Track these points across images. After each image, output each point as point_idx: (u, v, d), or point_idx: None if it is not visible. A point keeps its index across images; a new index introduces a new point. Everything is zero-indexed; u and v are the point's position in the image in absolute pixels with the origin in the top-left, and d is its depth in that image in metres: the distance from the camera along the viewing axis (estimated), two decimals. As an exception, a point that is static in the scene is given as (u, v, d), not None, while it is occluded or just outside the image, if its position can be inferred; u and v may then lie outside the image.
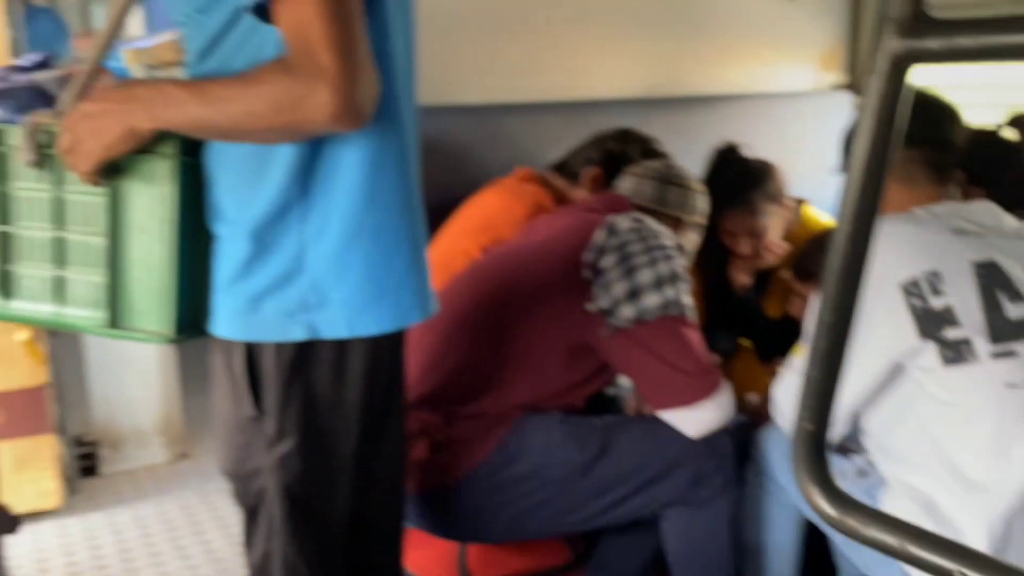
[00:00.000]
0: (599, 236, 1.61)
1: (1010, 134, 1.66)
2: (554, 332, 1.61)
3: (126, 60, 1.40)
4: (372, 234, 1.14)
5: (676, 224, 1.78)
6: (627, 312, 1.54)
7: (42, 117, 1.15)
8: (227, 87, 1.03)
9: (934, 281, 1.30)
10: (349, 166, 1.12)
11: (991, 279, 1.30)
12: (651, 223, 1.65)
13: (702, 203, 1.84)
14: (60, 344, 2.46)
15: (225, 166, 1.15)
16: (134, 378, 2.72)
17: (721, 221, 2.03)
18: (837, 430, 1.39)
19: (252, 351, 1.16)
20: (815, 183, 2.35)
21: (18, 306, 1.24)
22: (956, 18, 0.60)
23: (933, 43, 0.60)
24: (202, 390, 1.62)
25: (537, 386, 1.61)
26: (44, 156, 1.17)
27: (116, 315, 1.19)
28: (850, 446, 1.51)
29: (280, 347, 1.14)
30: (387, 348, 1.21)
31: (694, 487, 1.59)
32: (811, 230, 2.21)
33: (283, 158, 1.10)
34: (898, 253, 1.32)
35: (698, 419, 1.57)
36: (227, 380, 1.20)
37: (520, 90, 2.32)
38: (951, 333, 1.28)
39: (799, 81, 2.81)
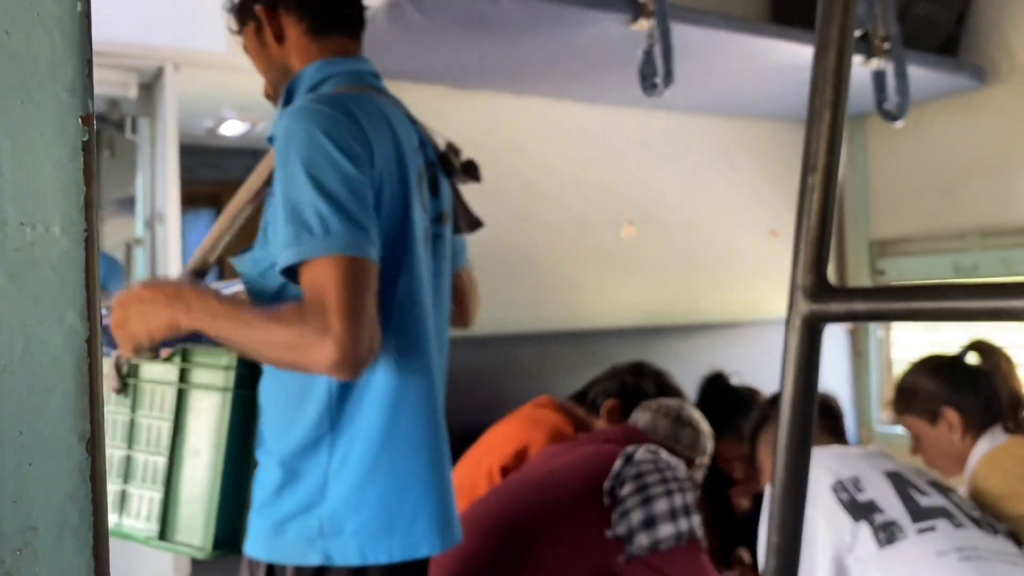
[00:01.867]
0: (618, 465, 1.70)
1: (974, 359, 1.78)
2: (577, 557, 1.65)
3: None
4: (388, 468, 1.24)
5: (688, 464, 1.89)
6: (643, 540, 1.61)
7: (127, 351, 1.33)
8: (255, 316, 1.18)
9: (856, 482, 1.59)
10: (372, 405, 1.24)
11: (899, 481, 1.60)
12: (666, 455, 1.74)
13: (710, 445, 1.96)
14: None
15: (270, 401, 1.29)
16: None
17: (715, 448, 2.12)
18: None
19: (273, 572, 1.25)
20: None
21: None
22: (854, 287, 0.74)
23: (835, 307, 0.74)
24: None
25: None
26: (125, 384, 1.34)
27: (165, 528, 1.31)
28: None
29: (299, 570, 1.23)
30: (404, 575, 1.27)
31: None
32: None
33: (317, 400, 1.24)
34: (825, 468, 1.61)
35: None
36: None
37: (527, 321, 2.49)
38: (879, 518, 1.54)
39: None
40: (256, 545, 1.26)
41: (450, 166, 1.45)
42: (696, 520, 1.65)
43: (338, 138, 1.18)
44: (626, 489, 1.66)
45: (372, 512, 1.23)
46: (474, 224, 1.52)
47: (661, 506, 1.63)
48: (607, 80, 2.36)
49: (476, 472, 2.00)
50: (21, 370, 0.40)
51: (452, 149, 1.46)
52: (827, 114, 0.75)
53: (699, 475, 1.94)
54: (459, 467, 2.04)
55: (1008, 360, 1.85)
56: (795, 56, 2.25)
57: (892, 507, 1.56)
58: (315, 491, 1.23)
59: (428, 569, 1.33)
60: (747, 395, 2.21)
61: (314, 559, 1.22)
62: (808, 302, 0.74)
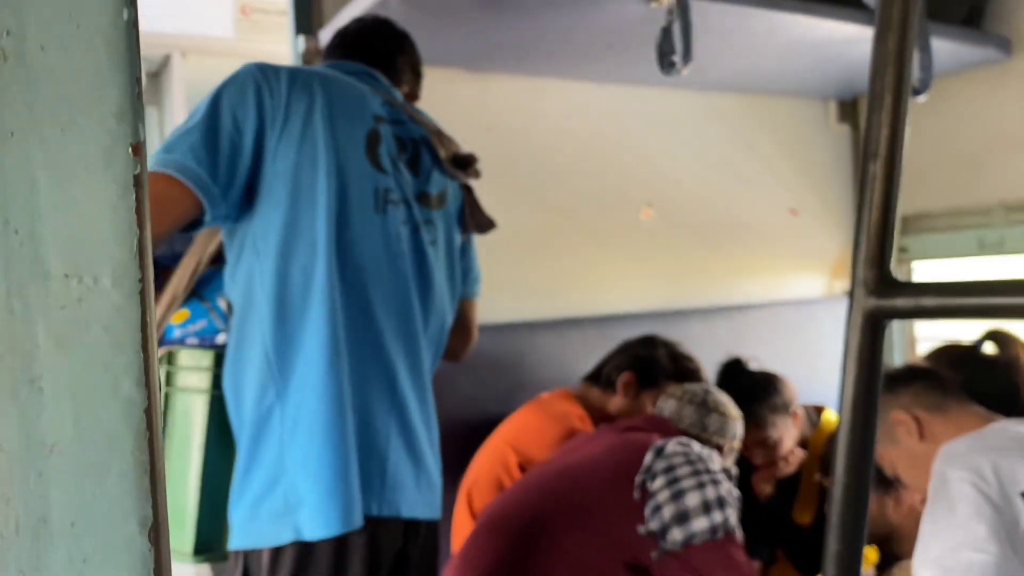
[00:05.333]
0: (649, 458, 1.66)
1: (991, 349, 1.70)
2: (608, 552, 1.63)
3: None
4: (335, 435, 1.22)
5: (717, 450, 1.85)
6: (676, 535, 1.57)
7: None
8: None
9: None
10: (310, 365, 1.24)
11: None
12: (698, 447, 1.70)
13: (740, 429, 1.91)
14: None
15: (227, 384, 1.28)
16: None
17: None
18: None
19: (248, 561, 1.22)
20: (833, 386, 2.41)
21: None
22: (922, 282, 0.70)
23: (901, 302, 0.70)
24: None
25: None
26: None
27: None
28: None
29: (276, 552, 1.21)
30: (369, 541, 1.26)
31: None
32: (829, 434, 2.25)
33: (258, 368, 1.24)
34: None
35: None
36: None
37: (547, 308, 2.46)
38: None
39: (812, 289, 2.94)
40: (235, 536, 1.24)
41: (439, 153, 1.43)
42: (730, 512, 1.61)
43: (239, 94, 1.26)
44: (657, 483, 1.62)
45: (327, 477, 1.21)
46: (484, 225, 1.50)
47: (693, 499, 1.59)
48: (624, 59, 2.31)
49: (495, 465, 1.97)
50: (72, 450, 0.34)
51: (439, 135, 1.44)
52: (888, 98, 0.71)
53: (731, 460, 1.90)
54: (477, 459, 2.02)
55: (1020, 345, 1.78)
56: (817, 31, 2.19)
57: None
58: (275, 463, 1.21)
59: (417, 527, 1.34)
60: (764, 380, 2.17)
61: (286, 536, 1.19)
62: (871, 297, 0.70)
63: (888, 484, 1.86)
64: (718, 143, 2.80)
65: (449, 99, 2.12)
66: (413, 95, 1.57)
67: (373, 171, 1.33)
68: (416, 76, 1.56)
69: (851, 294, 0.72)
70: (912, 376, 1.56)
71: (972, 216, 2.80)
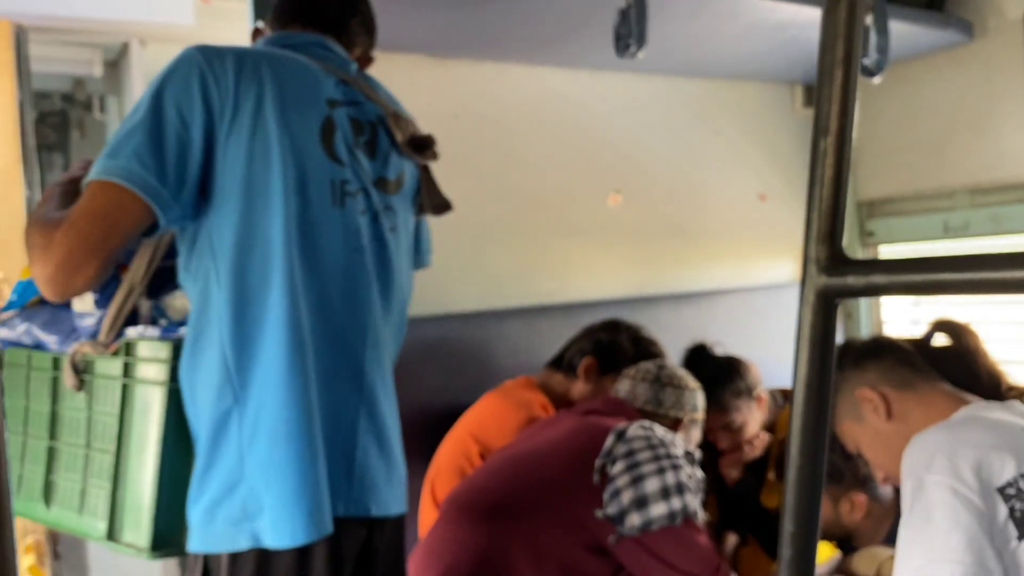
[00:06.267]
0: (609, 442, 1.65)
1: (942, 339, 1.66)
2: (568, 536, 1.62)
3: None
4: (300, 439, 1.19)
5: (675, 424, 1.85)
6: (635, 520, 1.57)
7: (83, 347, 1.29)
8: (40, 215, 1.24)
9: None
10: (270, 367, 1.20)
11: None
12: (660, 430, 1.69)
13: (699, 399, 1.91)
14: (64, 567, 2.45)
15: (185, 382, 1.24)
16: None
17: None
18: None
19: (208, 565, 1.20)
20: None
21: (55, 512, 1.34)
22: (873, 259, 0.70)
23: (852, 280, 0.69)
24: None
25: None
26: (83, 381, 1.30)
27: (112, 527, 1.26)
28: None
29: (234, 559, 1.18)
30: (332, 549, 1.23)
31: None
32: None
33: (216, 370, 1.20)
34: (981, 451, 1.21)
35: None
36: None
37: (514, 296, 2.44)
38: None
39: (779, 274, 2.95)
40: (193, 538, 1.21)
41: (396, 136, 1.39)
42: (690, 498, 1.60)
43: (183, 85, 1.21)
44: (617, 467, 1.61)
45: (291, 484, 1.18)
46: (440, 207, 1.46)
47: (653, 485, 1.58)
48: (589, 44, 2.30)
49: (456, 455, 1.96)
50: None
51: (395, 116, 1.40)
52: (839, 73, 0.69)
53: (696, 433, 1.89)
54: (441, 449, 2.01)
55: (976, 337, 1.76)
56: (779, 14, 2.19)
57: None
58: (234, 469, 1.18)
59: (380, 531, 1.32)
60: (728, 365, 2.18)
61: (243, 543, 1.17)
62: (822, 275, 0.69)
63: (841, 477, 1.85)
64: (685, 128, 2.80)
65: (411, 85, 2.08)
66: (367, 58, 1.50)
67: (329, 163, 1.29)
68: (370, 35, 1.48)
69: (803, 273, 0.71)
70: (880, 351, 1.51)
71: (937, 200, 2.82)
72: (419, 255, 1.53)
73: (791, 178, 2.97)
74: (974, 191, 2.72)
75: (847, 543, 1.90)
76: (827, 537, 1.87)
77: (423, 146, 1.42)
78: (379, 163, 1.38)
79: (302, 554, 1.19)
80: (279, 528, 1.17)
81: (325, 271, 1.26)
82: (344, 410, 1.27)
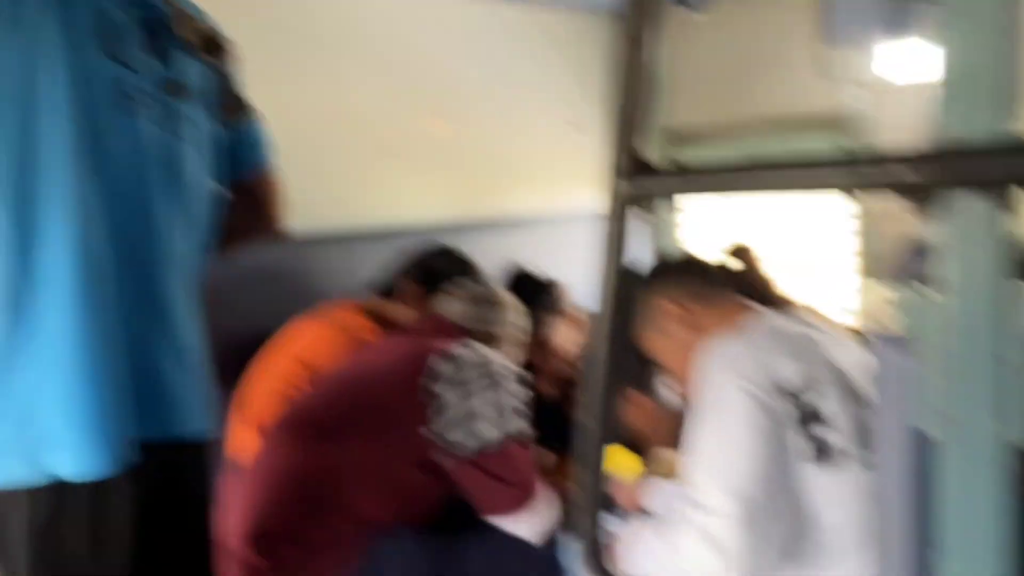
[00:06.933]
0: (434, 362, 1.66)
1: (734, 263, 1.81)
2: (394, 455, 1.64)
3: None
4: (94, 367, 1.14)
5: (490, 339, 1.88)
6: (458, 437, 1.61)
7: None
8: None
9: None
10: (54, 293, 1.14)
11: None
12: (485, 351, 1.72)
13: (513, 316, 1.95)
14: None
15: None
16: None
17: None
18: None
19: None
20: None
21: None
22: (668, 168, 0.73)
23: (652, 184, 0.72)
24: None
25: (387, 501, 1.63)
26: None
27: None
28: None
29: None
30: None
31: None
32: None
33: None
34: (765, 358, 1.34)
35: (527, 523, 1.67)
36: None
37: (330, 218, 2.39)
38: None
39: (595, 202, 3.05)
40: None
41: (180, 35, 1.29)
42: (517, 417, 1.66)
43: None
44: (443, 387, 1.64)
45: (87, 414, 1.13)
46: (238, 111, 1.39)
47: (477, 404, 1.62)
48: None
49: (280, 380, 1.92)
50: None
51: (184, 15, 1.30)
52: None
53: (512, 350, 1.93)
54: (257, 373, 1.97)
55: (756, 258, 1.90)
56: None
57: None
58: (26, 402, 1.12)
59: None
60: (543, 286, 2.25)
61: (40, 477, 1.12)
62: (624, 181, 0.72)
63: (642, 380, 1.96)
64: (504, 55, 2.81)
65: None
66: None
67: (113, 66, 1.19)
68: None
69: (609, 182, 0.73)
70: (677, 267, 1.64)
71: (737, 130, 2.99)
72: (244, 156, 1.43)
73: (605, 108, 3.05)
74: (772, 123, 2.90)
75: (639, 449, 2.03)
76: (620, 441, 1.97)
77: (218, 47, 1.33)
78: (168, 67, 1.28)
79: (102, 483, 1.14)
80: (77, 460, 1.11)
81: (115, 182, 1.18)
82: (142, 333, 1.21)
